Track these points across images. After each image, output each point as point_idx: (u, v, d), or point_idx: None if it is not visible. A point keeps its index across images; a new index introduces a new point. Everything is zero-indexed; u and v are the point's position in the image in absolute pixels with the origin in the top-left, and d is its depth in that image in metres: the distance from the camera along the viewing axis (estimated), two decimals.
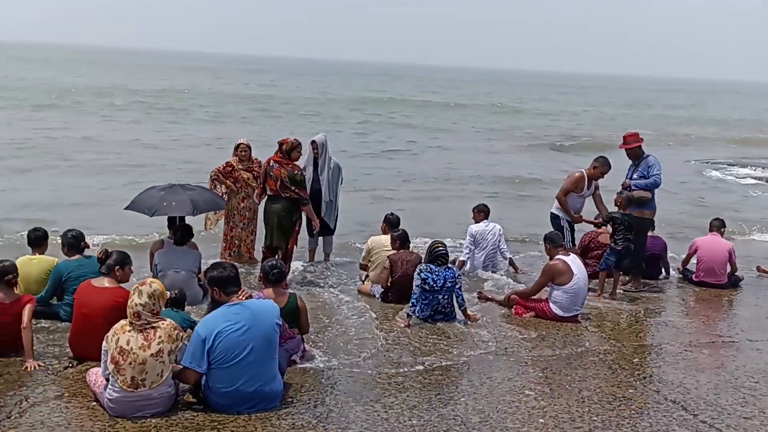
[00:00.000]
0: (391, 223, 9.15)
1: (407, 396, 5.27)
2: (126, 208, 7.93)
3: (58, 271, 6.71)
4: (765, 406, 5.23)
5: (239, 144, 9.70)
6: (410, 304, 7.45)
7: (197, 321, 5.83)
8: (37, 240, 7.11)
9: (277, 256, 8.66)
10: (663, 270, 9.94)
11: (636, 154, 9.07)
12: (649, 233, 9.67)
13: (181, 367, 4.77)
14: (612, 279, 8.64)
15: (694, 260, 9.59)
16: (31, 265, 6.97)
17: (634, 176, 9.00)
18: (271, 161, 8.52)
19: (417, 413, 4.94)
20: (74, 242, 6.91)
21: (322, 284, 8.91)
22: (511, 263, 10.14)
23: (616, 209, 8.75)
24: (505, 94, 70.42)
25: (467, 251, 9.95)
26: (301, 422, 4.70)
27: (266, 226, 8.61)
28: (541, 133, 33.88)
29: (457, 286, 7.62)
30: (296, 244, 8.87)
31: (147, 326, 4.64)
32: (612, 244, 8.47)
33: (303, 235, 10.14)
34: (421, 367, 5.95)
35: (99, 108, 33.39)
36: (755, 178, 22.78)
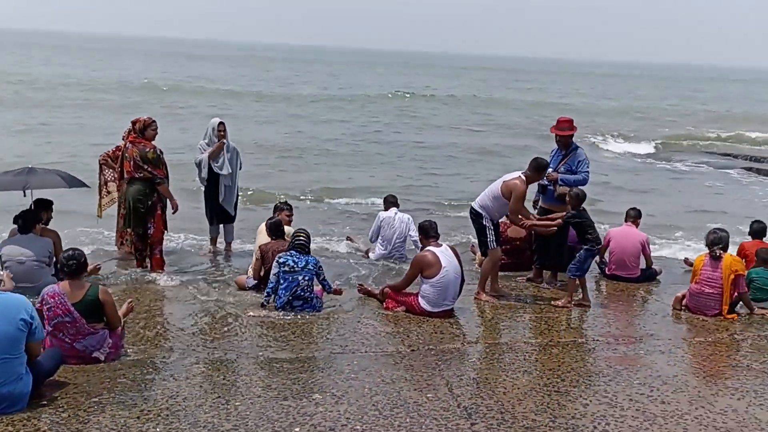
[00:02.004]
0: (275, 210, 8.81)
1: (182, 399, 4.84)
2: None
3: None
4: (565, 414, 4.69)
5: (135, 120, 9.15)
6: (265, 294, 7.10)
7: None
8: None
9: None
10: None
11: (566, 143, 8.36)
12: None
13: None
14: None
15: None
16: None
17: (561, 168, 8.30)
18: (126, 143, 8.17)
19: (172, 420, 4.50)
20: None
21: (206, 275, 8.54)
22: None
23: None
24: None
25: (371, 234, 9.67)
26: (30, 428, 4.28)
27: (126, 210, 8.27)
28: None
29: (321, 278, 7.26)
30: (165, 229, 8.47)
31: None
32: (587, 246, 7.46)
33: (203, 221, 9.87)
34: (229, 366, 5.53)
35: None
36: None
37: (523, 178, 7.58)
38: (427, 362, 5.75)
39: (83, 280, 5.67)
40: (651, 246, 9.21)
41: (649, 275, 8.97)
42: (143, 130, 8.19)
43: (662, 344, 6.38)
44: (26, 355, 4.62)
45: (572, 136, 8.36)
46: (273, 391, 5.02)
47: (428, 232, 7.40)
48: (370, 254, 9.78)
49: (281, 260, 7.09)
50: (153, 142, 8.25)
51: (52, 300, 5.50)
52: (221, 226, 9.68)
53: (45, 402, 4.67)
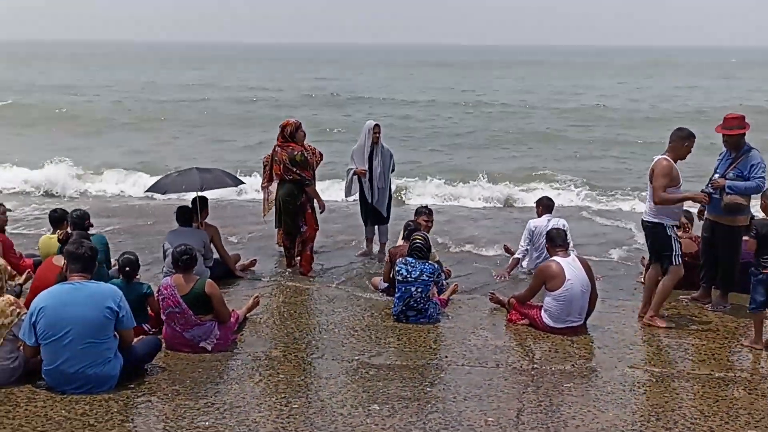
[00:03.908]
0: (415, 214, 8.72)
1: (251, 396, 4.97)
2: (146, 191, 8.53)
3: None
4: None
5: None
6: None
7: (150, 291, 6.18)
8: (56, 219, 7.91)
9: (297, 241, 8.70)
10: None
11: (736, 144, 7.11)
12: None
13: None
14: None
15: None
16: (50, 242, 7.77)
17: (730, 173, 7.09)
18: (275, 146, 8.55)
19: (225, 416, 4.63)
20: (78, 221, 7.57)
21: (349, 275, 8.70)
22: None
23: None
24: None
25: (522, 248, 9.04)
26: (103, 409, 4.67)
27: (277, 211, 8.68)
28: None
29: (440, 284, 7.05)
30: (316, 228, 8.70)
31: None
32: (756, 269, 6.15)
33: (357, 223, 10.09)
34: (317, 367, 5.61)
35: None
36: None
37: (665, 157, 6.69)
38: (518, 381, 5.31)
39: (193, 275, 6.07)
40: None
41: None
42: (293, 134, 8.53)
43: None
44: (116, 341, 5.05)
45: (743, 135, 7.15)
46: (338, 397, 4.96)
47: (555, 241, 6.85)
48: (523, 263, 9.24)
49: (396, 268, 6.99)
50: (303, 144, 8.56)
51: (165, 291, 5.98)
52: (376, 227, 9.78)
53: (132, 385, 5.06)
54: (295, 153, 8.40)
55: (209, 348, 5.98)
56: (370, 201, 9.47)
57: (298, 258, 8.84)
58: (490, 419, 4.57)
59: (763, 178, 7.00)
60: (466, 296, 7.88)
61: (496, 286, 8.20)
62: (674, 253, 6.70)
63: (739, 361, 5.85)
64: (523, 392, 5.09)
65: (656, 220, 6.72)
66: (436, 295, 7.15)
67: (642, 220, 6.97)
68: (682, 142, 6.69)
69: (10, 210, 8.30)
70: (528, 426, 4.49)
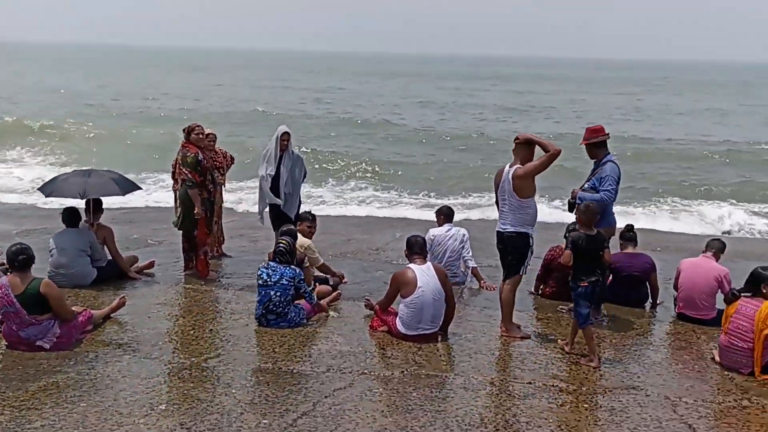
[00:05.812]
0: (300, 219, 8.68)
1: (57, 389, 4.98)
2: (38, 189, 8.62)
3: None
4: None
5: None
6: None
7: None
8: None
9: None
10: (650, 296, 7.99)
11: (592, 154, 7.09)
12: (630, 250, 7.90)
13: None
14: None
15: None
16: None
17: (587, 185, 7.07)
18: (180, 148, 8.63)
19: (27, 408, 4.65)
20: None
21: (246, 280, 8.66)
22: (475, 273, 8.90)
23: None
24: None
25: None
26: None
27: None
28: None
29: (302, 290, 7.01)
30: (207, 231, 8.62)
31: None
32: (574, 282, 6.06)
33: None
34: (147, 368, 5.60)
35: None
36: None
37: (518, 165, 6.35)
38: (331, 386, 5.26)
39: (30, 274, 6.06)
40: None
41: None
42: (188, 135, 8.57)
43: (630, 398, 5.13)
44: None
45: (597, 146, 7.07)
46: (137, 396, 4.96)
47: (412, 248, 6.80)
48: None
49: (258, 272, 6.98)
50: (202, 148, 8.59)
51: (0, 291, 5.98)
52: None
53: None
54: (188, 154, 8.43)
55: (47, 347, 5.98)
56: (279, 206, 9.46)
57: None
58: (265, 421, 4.53)
59: (609, 190, 6.85)
60: (351, 302, 7.84)
61: None
62: (527, 263, 6.61)
63: (567, 372, 5.76)
64: (327, 396, 5.05)
65: (526, 231, 6.46)
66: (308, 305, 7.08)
67: (506, 234, 6.51)
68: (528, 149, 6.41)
69: None
70: (299, 429, 4.45)
